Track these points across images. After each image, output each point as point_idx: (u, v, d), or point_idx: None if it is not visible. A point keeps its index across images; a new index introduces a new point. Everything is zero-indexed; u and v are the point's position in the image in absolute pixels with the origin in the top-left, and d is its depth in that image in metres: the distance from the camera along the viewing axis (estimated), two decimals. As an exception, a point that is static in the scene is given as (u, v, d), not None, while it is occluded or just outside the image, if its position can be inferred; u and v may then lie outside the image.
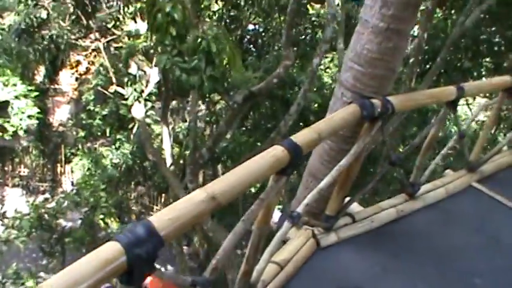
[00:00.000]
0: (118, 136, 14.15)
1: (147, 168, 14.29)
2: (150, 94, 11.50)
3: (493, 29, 9.98)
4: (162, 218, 1.70)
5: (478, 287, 3.50)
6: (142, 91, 11.11)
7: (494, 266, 3.71)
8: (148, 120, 12.98)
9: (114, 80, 12.27)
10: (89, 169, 13.00)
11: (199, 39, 6.15)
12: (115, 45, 12.94)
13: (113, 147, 14.12)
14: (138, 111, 11.26)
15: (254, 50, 11.74)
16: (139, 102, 11.08)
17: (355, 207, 3.79)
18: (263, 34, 11.59)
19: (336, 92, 3.31)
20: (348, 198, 3.41)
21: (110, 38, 12.57)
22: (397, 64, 3.13)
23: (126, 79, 11.27)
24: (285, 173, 2.25)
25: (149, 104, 11.81)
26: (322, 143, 3.39)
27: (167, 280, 1.89)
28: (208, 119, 12.96)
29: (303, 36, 11.77)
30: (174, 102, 14.34)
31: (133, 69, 11.16)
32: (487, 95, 9.14)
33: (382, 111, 2.93)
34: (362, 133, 3.00)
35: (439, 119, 3.69)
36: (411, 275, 3.39)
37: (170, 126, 12.80)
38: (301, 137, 2.37)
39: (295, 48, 9.17)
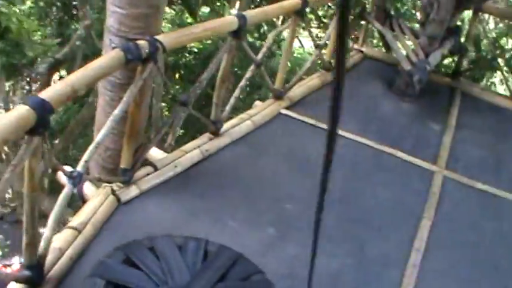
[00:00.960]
0: None
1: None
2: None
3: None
4: None
5: (289, 211, 3.88)
6: None
7: (305, 188, 4.11)
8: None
9: None
10: None
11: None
12: None
13: None
14: None
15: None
16: None
17: (158, 155, 3.93)
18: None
19: (105, 41, 3.36)
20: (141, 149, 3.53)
21: None
22: (161, 0, 3.25)
23: None
24: (35, 133, 2.26)
25: None
26: (103, 95, 3.45)
27: None
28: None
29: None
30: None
31: None
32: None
33: (151, 51, 3.05)
34: (135, 77, 3.10)
35: (223, 50, 3.90)
36: (221, 213, 3.55)
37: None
38: (50, 91, 2.36)
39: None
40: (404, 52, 5.59)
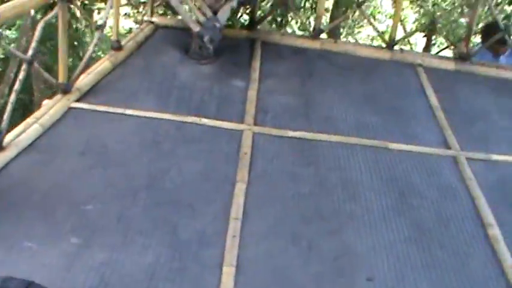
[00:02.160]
0: None
1: None
2: None
3: None
4: None
5: (91, 213, 3.47)
6: None
7: (106, 183, 3.76)
8: None
9: None
10: None
11: None
12: None
13: None
14: None
15: None
16: None
17: None
18: None
19: None
20: None
21: None
22: None
23: None
24: None
25: None
26: None
27: None
28: None
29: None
30: None
31: None
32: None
33: None
34: None
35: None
36: (15, 236, 3.15)
37: None
38: None
39: None
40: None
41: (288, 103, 4.87)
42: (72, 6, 4.78)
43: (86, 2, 9.00)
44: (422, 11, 12.34)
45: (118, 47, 5.38)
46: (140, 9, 8.38)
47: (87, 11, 10.05)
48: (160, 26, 6.19)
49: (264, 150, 4.18)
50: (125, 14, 12.74)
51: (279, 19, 6.81)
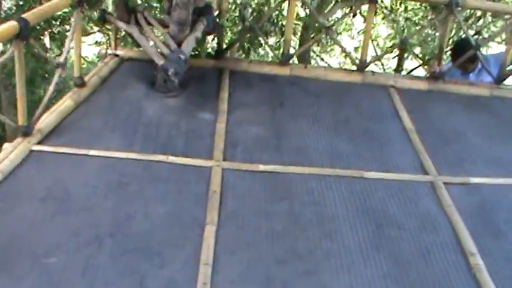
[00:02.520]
0: None
1: None
2: None
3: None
4: None
5: (54, 266, 3.31)
6: None
7: (70, 231, 3.59)
8: None
9: None
10: None
11: None
12: None
13: None
14: None
15: None
16: None
17: None
18: None
19: None
20: None
21: None
22: None
23: None
24: None
25: None
26: None
27: None
28: None
29: None
30: None
31: None
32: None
33: None
34: None
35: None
36: None
37: None
38: None
39: None
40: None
41: (258, 135, 4.76)
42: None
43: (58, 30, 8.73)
44: (394, 26, 12.37)
45: (81, 84, 5.24)
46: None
47: (59, 41, 9.74)
48: (125, 58, 6.05)
49: (234, 187, 4.05)
50: (96, 42, 12.61)
51: (246, 46, 6.69)
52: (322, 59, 12.43)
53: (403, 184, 4.34)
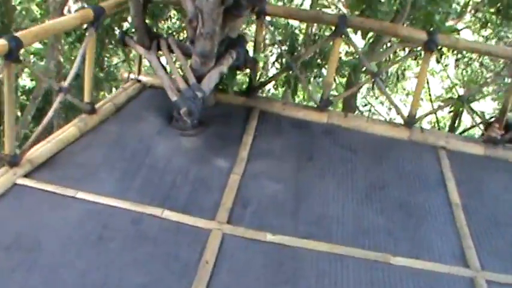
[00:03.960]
0: None
1: None
2: None
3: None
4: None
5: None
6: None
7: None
8: None
9: None
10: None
11: None
12: None
13: None
14: None
15: None
16: None
17: None
18: None
19: None
20: None
21: None
22: None
23: None
24: None
25: None
26: None
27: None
28: None
29: None
30: None
31: None
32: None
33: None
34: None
35: None
36: None
37: None
38: None
39: None
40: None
41: (275, 193, 4.18)
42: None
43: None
44: (459, 73, 11.55)
45: (90, 111, 4.79)
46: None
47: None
48: (147, 85, 5.61)
49: (232, 258, 3.48)
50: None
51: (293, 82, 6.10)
52: (372, 107, 11.69)
53: (436, 277, 3.67)
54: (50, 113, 4.30)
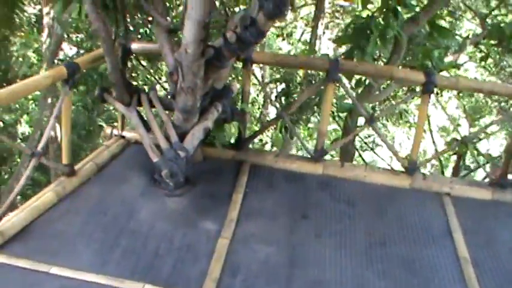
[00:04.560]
0: None
1: None
2: None
3: None
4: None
5: None
6: None
7: None
8: None
9: None
10: None
11: None
12: None
13: None
14: None
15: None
16: None
17: None
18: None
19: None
20: None
21: None
22: None
23: None
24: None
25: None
26: None
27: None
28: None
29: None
30: None
31: None
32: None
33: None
34: None
35: None
36: None
37: None
38: None
39: None
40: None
41: (266, 259, 3.87)
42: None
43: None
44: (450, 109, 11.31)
45: (70, 173, 4.52)
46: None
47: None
48: (132, 141, 5.35)
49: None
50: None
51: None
52: (372, 150, 11.39)
53: None
54: (22, 181, 4.04)
